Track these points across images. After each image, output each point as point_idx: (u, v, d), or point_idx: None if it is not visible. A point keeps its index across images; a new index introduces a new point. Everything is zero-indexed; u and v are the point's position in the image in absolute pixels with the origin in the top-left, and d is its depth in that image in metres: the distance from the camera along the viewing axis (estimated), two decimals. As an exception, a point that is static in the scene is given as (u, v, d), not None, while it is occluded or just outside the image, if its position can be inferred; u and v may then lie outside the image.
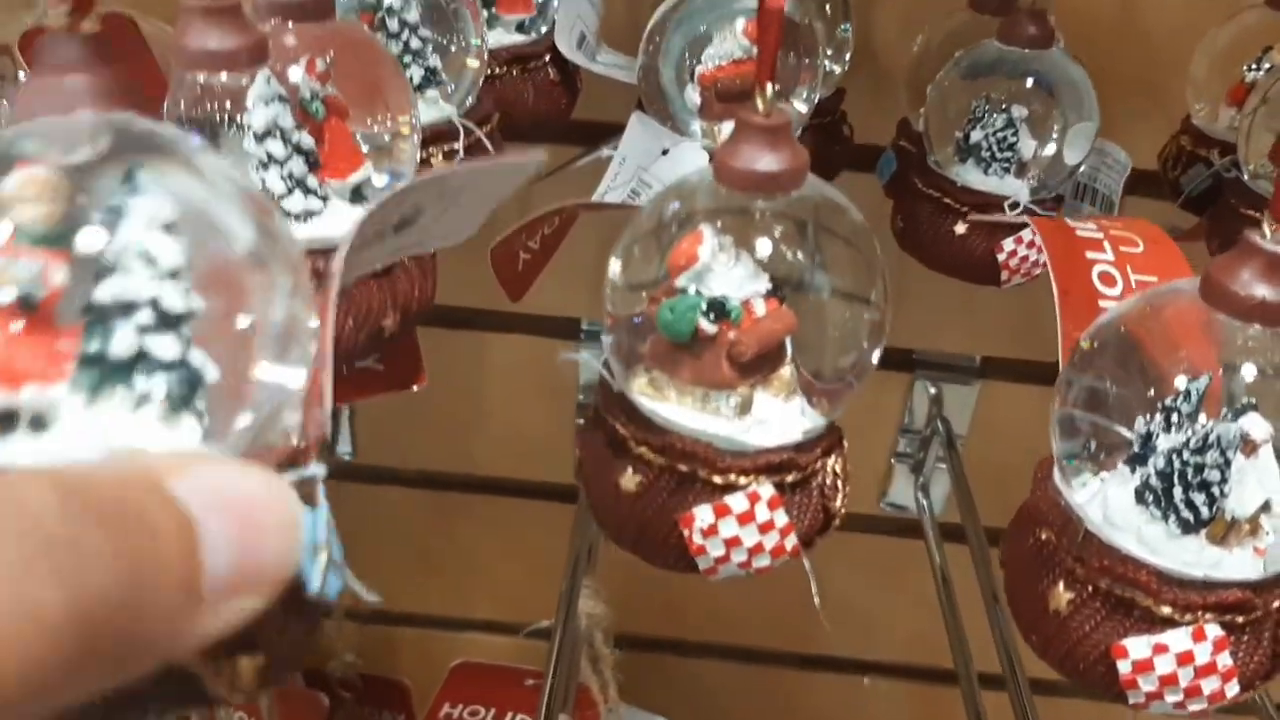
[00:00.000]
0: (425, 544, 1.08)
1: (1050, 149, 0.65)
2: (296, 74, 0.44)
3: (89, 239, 0.25)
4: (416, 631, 1.13)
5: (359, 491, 1.03)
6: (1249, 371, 0.37)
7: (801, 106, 0.61)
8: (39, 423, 0.25)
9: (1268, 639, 0.38)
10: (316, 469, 0.26)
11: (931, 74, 0.70)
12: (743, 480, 0.39)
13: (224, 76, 0.38)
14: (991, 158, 0.66)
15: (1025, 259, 0.65)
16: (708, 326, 0.39)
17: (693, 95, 0.61)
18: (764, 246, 0.39)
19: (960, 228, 0.65)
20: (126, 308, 0.25)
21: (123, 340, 0.25)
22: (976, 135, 0.66)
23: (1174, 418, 0.38)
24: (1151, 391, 0.38)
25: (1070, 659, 0.39)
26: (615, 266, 0.42)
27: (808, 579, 0.43)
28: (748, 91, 0.61)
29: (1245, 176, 0.66)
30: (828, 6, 0.69)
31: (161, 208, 0.25)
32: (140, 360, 0.25)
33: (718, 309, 0.39)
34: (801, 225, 0.40)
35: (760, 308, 0.40)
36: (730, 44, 0.60)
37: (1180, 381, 0.37)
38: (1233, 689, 0.37)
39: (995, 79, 0.66)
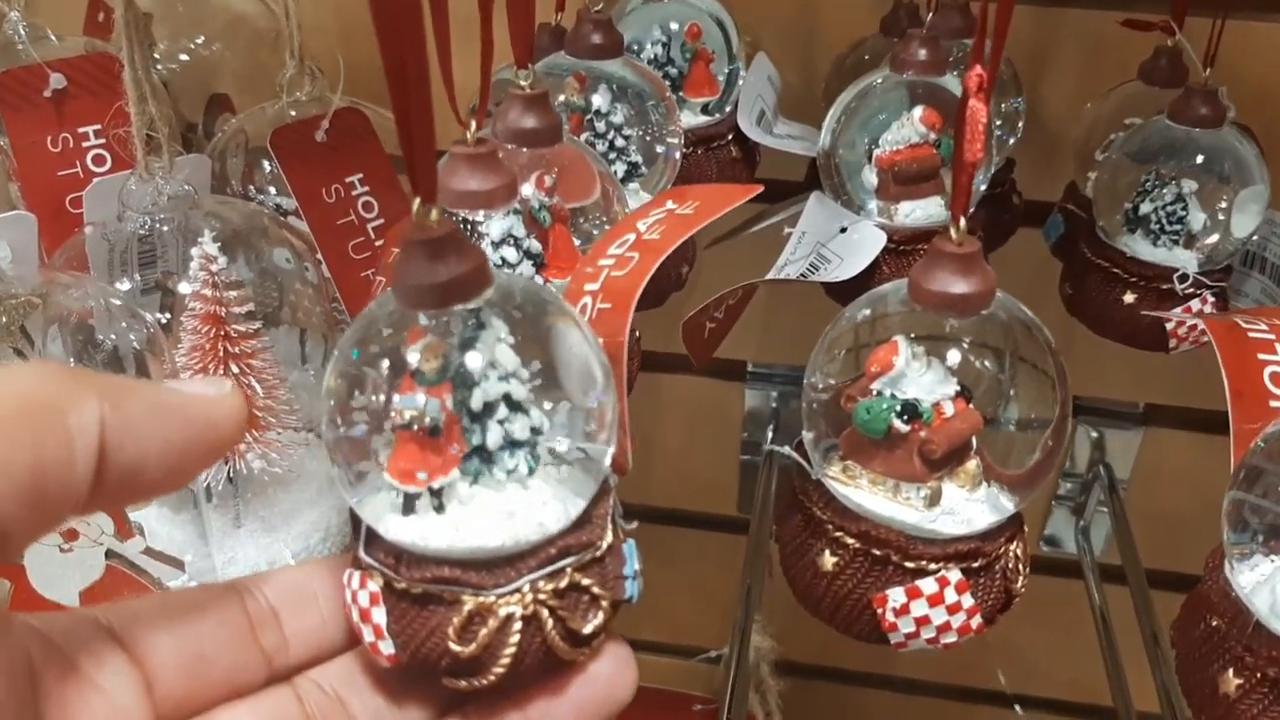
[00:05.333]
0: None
1: (1220, 222, 0.67)
2: (528, 189, 0.50)
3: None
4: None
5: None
6: None
7: (980, 186, 0.65)
8: (439, 505, 0.33)
9: None
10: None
11: (1101, 142, 0.72)
12: (932, 566, 0.44)
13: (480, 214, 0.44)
14: (1160, 230, 0.68)
15: (1194, 328, 0.67)
16: (901, 426, 0.44)
17: (870, 176, 0.65)
18: (953, 357, 0.44)
19: (1129, 297, 0.68)
20: (489, 408, 0.32)
21: (492, 434, 0.32)
22: (1146, 208, 0.68)
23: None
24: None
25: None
26: (814, 369, 0.46)
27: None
28: (923, 174, 0.65)
29: None
30: (1002, 83, 0.72)
31: (500, 330, 0.32)
32: (507, 445, 0.33)
33: (911, 411, 0.43)
34: (991, 345, 0.44)
35: (949, 409, 0.44)
36: (908, 130, 0.64)
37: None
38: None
39: (1165, 155, 0.68)
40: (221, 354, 0.57)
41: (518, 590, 0.32)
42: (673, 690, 1.08)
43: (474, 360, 0.32)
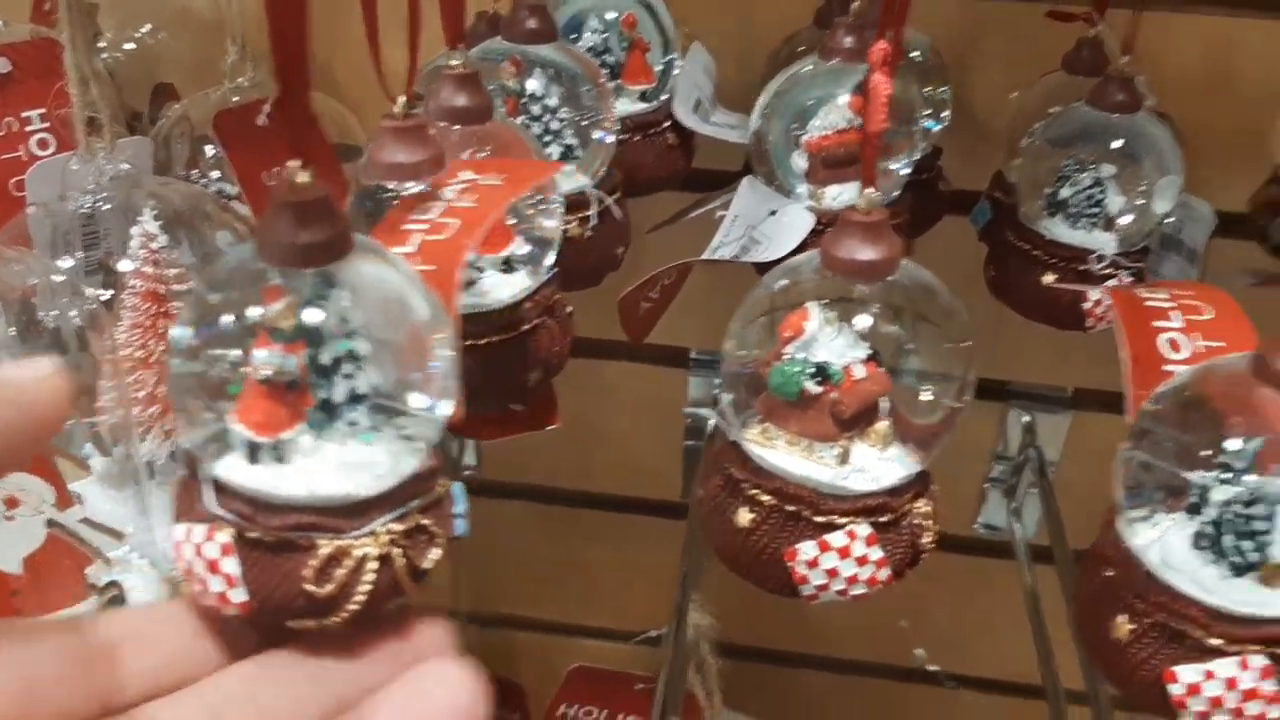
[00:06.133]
0: (544, 555, 1.16)
1: (1137, 205, 0.70)
2: (460, 166, 0.52)
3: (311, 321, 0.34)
4: (534, 636, 1.21)
5: (484, 505, 1.12)
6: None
7: (903, 170, 0.67)
8: (280, 455, 0.34)
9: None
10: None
11: (1025, 130, 0.75)
12: (841, 520, 0.46)
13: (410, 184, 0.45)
14: (1080, 213, 0.71)
15: (1111, 307, 0.70)
16: (813, 388, 0.46)
17: (799, 161, 0.67)
18: (863, 321, 0.46)
19: (1048, 278, 0.70)
20: (336, 364, 0.34)
21: (338, 389, 0.34)
22: (1065, 192, 0.71)
23: (1228, 474, 0.43)
24: (1209, 450, 0.43)
25: (1129, 682, 0.44)
26: (732, 336, 0.48)
27: (902, 598, 0.49)
28: (850, 158, 0.68)
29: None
30: (928, 70, 0.75)
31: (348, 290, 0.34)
32: (349, 401, 0.34)
33: (822, 373, 0.46)
34: (897, 307, 0.46)
35: (860, 371, 0.46)
36: (835, 115, 0.66)
37: (1234, 443, 0.42)
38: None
39: (1084, 140, 0.71)
40: (161, 331, 0.59)
41: (372, 533, 0.34)
42: (617, 670, 1.10)
43: (325, 318, 0.34)
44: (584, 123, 0.63)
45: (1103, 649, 0.45)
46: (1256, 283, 0.78)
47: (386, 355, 0.35)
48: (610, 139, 0.64)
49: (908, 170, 0.67)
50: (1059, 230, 0.71)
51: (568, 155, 0.63)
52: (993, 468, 0.99)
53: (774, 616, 1.10)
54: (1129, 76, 0.69)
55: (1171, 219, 0.71)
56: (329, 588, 0.33)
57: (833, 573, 0.46)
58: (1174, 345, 0.49)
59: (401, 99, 0.45)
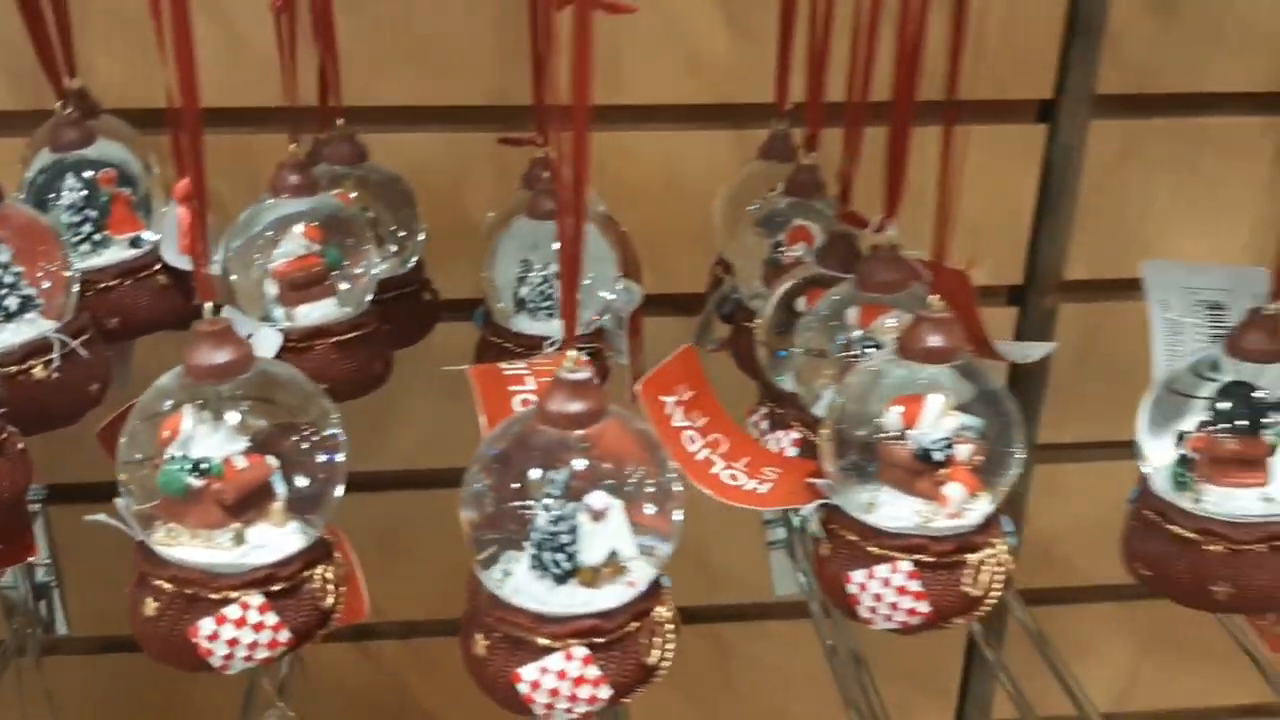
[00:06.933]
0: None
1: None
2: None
3: None
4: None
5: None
6: (580, 464, 0.52)
7: (364, 286, 0.75)
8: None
9: (634, 652, 0.52)
10: None
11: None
12: (234, 594, 0.52)
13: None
14: (537, 307, 0.81)
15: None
16: (195, 482, 0.52)
17: (271, 288, 0.74)
18: (233, 417, 0.53)
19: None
20: None
21: None
22: (524, 291, 0.82)
23: (542, 506, 0.52)
24: (519, 487, 0.52)
25: (494, 691, 0.52)
26: (123, 448, 0.54)
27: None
28: (313, 280, 0.75)
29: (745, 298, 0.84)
30: (397, 194, 0.85)
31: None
32: None
33: (201, 468, 0.52)
34: (266, 399, 0.53)
35: (241, 462, 0.53)
36: (294, 244, 0.74)
37: (534, 475, 0.52)
38: (604, 692, 0.51)
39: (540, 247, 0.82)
40: None
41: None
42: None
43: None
44: (39, 275, 0.68)
45: (470, 665, 0.53)
46: (714, 348, 0.92)
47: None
48: (75, 286, 0.69)
49: (368, 298, 0.76)
50: (524, 324, 0.81)
51: (27, 304, 0.67)
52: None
53: None
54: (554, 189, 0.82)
55: (615, 298, 0.83)
56: None
57: (233, 642, 0.52)
58: (526, 404, 0.58)
59: None
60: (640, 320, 0.84)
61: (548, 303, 0.81)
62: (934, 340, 0.56)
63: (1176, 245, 1.03)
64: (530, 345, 0.80)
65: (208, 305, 0.52)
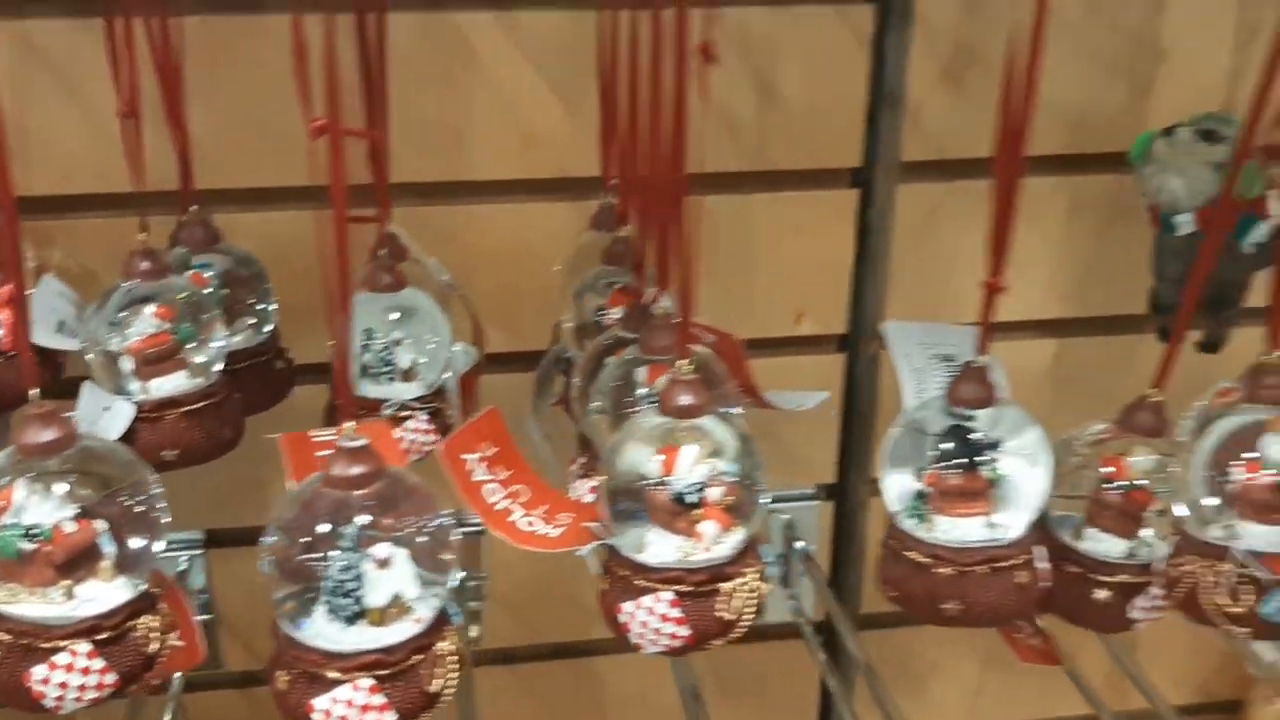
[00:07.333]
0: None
1: (424, 359, 0.90)
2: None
3: None
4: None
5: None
6: (362, 519, 0.60)
7: (212, 357, 0.83)
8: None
9: (416, 682, 0.60)
10: None
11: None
12: (63, 643, 0.59)
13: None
14: (379, 373, 0.89)
15: (414, 442, 0.88)
16: (27, 546, 0.60)
17: (126, 363, 0.82)
18: (60, 488, 0.61)
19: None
20: None
21: None
22: (366, 357, 0.90)
23: (332, 558, 0.60)
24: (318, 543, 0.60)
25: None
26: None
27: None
28: (164, 355, 0.83)
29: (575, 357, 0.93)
30: (249, 277, 0.93)
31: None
32: None
33: (33, 533, 0.60)
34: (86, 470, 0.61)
35: (69, 526, 0.61)
36: (146, 323, 0.82)
37: (325, 528, 0.60)
38: (390, 718, 0.59)
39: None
40: None
41: None
42: None
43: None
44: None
45: (276, 698, 0.61)
46: (555, 402, 1.01)
47: None
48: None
49: (217, 367, 0.83)
50: (367, 388, 0.89)
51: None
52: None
53: None
54: (418, 262, 0.90)
55: (452, 360, 0.91)
56: None
57: (64, 685, 0.59)
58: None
59: None
60: (475, 380, 0.92)
61: (388, 368, 0.90)
62: (685, 399, 0.65)
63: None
64: (371, 408, 0.88)
65: (33, 391, 0.59)
